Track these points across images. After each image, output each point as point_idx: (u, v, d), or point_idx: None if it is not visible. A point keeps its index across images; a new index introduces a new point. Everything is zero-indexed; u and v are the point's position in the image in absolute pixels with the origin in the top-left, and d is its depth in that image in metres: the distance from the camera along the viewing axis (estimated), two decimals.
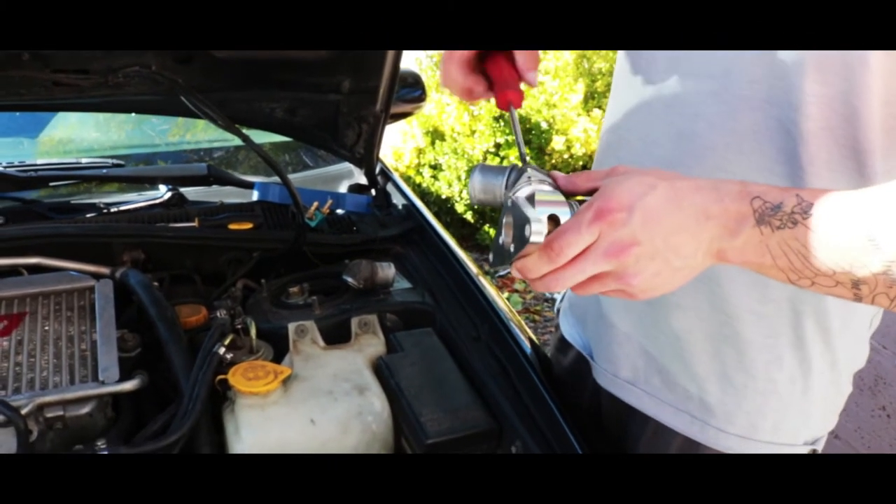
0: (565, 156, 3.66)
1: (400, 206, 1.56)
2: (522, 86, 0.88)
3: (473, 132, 3.67)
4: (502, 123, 3.59)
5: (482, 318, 1.16)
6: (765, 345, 0.85)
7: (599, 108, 3.77)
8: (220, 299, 1.20)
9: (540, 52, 0.93)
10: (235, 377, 0.94)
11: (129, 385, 0.92)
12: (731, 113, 0.78)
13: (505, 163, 3.55)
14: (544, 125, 3.65)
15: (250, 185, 1.59)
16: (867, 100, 0.70)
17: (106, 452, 0.84)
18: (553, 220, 0.66)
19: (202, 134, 2.10)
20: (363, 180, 1.66)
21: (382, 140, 1.53)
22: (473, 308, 1.19)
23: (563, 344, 1.14)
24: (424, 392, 0.99)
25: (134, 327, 1.07)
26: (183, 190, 1.60)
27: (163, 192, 1.58)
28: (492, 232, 3.78)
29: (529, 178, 0.71)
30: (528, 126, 3.68)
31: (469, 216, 3.81)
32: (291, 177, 1.38)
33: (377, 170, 1.61)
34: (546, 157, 3.67)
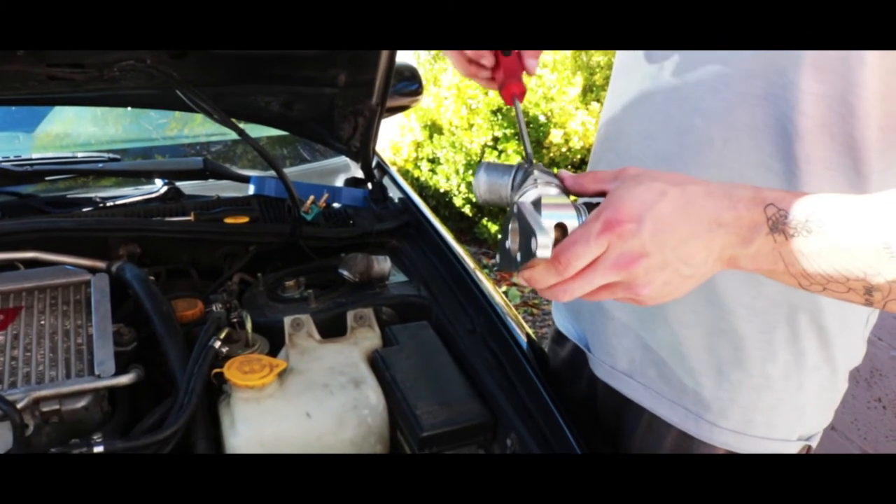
0: (563, 149, 3.65)
1: (396, 200, 1.56)
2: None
3: (471, 126, 3.66)
4: (500, 117, 3.59)
5: (478, 311, 1.17)
6: (759, 340, 0.85)
7: (597, 101, 3.76)
8: (216, 293, 1.21)
9: None
10: (231, 371, 0.95)
11: (125, 379, 0.92)
12: (728, 108, 0.78)
13: (503, 157, 3.56)
14: (542, 118, 3.64)
15: (246, 179, 1.59)
16: (864, 98, 0.70)
17: (102, 446, 0.84)
18: (560, 227, 0.65)
19: (199, 128, 2.09)
20: (359, 174, 1.66)
21: (379, 134, 1.53)
22: (469, 301, 1.20)
23: (560, 336, 1.14)
24: (420, 385, 0.99)
25: (130, 321, 1.07)
26: (179, 184, 1.60)
27: (159, 187, 1.58)
28: (490, 225, 3.78)
29: (536, 180, 0.70)
30: (526, 119, 3.67)
31: (467, 210, 3.81)
32: (288, 171, 1.38)
33: (373, 163, 1.61)
34: (544, 151, 3.67)
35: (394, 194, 1.59)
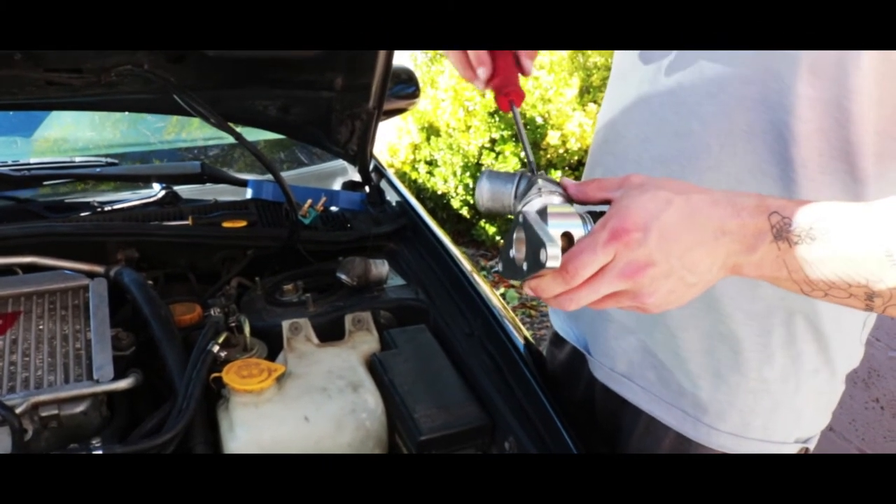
0: (560, 150, 3.66)
1: (394, 203, 1.57)
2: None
3: (469, 128, 3.67)
4: (497, 119, 3.59)
5: (475, 314, 1.17)
6: (757, 343, 0.85)
7: (595, 102, 3.76)
8: (214, 297, 1.21)
9: None
10: (229, 375, 0.95)
11: (123, 383, 0.92)
12: (725, 113, 0.78)
13: (501, 158, 3.57)
14: (539, 120, 3.64)
15: (244, 183, 1.59)
16: (860, 102, 0.70)
17: (101, 451, 0.84)
18: (566, 236, 0.65)
19: (197, 132, 2.10)
20: (357, 177, 1.66)
21: (376, 137, 1.53)
22: (467, 305, 1.20)
23: (558, 339, 1.15)
24: (418, 388, 1.00)
25: (128, 326, 1.07)
26: (177, 188, 1.60)
27: (157, 191, 1.58)
28: (488, 228, 3.78)
29: (540, 189, 0.70)
30: (523, 121, 3.67)
31: (465, 212, 3.81)
32: (285, 174, 1.39)
33: (371, 167, 1.61)
34: (541, 152, 3.67)
35: (391, 197, 1.60)
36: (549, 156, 3.68)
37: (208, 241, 1.32)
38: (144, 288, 1.10)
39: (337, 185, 1.78)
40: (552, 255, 0.61)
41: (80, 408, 0.90)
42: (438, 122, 3.83)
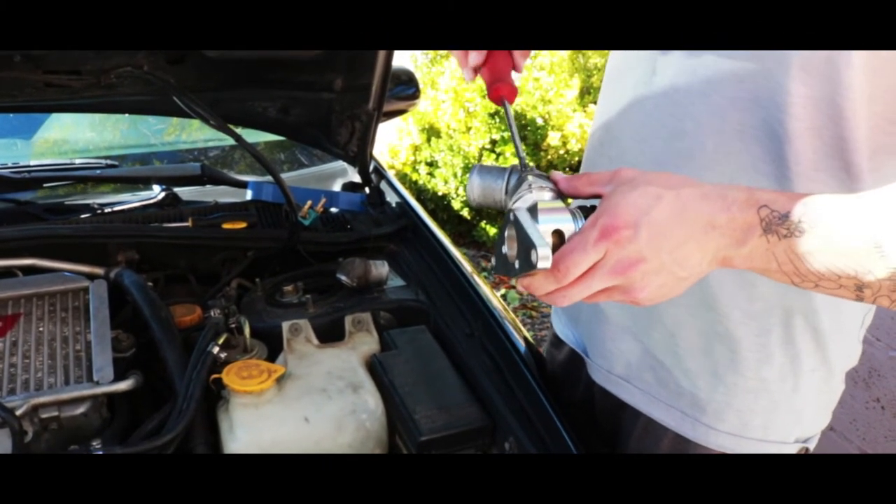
0: (561, 151, 3.66)
1: (394, 204, 1.57)
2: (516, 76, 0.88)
3: (469, 129, 3.67)
4: (498, 120, 3.59)
5: (476, 315, 1.17)
6: (755, 343, 0.85)
7: (595, 103, 3.76)
8: (214, 299, 1.21)
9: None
10: (230, 376, 0.95)
11: (123, 385, 0.92)
12: (718, 113, 0.78)
13: (501, 160, 3.56)
14: (539, 121, 3.64)
15: (244, 185, 1.59)
16: (852, 99, 0.70)
17: (101, 452, 0.84)
18: (557, 233, 0.65)
19: (197, 133, 2.10)
20: (357, 178, 1.66)
21: (376, 138, 1.53)
22: (467, 305, 1.20)
23: (558, 340, 1.15)
24: (418, 389, 1.00)
25: (128, 327, 1.07)
26: (177, 190, 1.60)
27: (157, 193, 1.58)
28: (489, 228, 3.78)
29: (530, 185, 0.70)
30: (523, 122, 3.68)
31: (465, 213, 3.81)
32: (285, 175, 1.39)
33: (371, 168, 1.61)
34: (542, 154, 3.67)
35: (391, 198, 1.60)
36: (549, 157, 3.68)
37: (208, 242, 1.32)
38: (144, 289, 1.10)
39: (337, 187, 1.78)
40: (542, 256, 0.62)
41: (80, 409, 0.90)
42: (439, 123, 3.84)
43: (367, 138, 1.50)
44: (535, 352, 1.12)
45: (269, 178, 1.45)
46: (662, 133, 0.83)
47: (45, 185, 1.58)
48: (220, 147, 2.08)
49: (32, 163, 1.66)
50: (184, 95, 1.29)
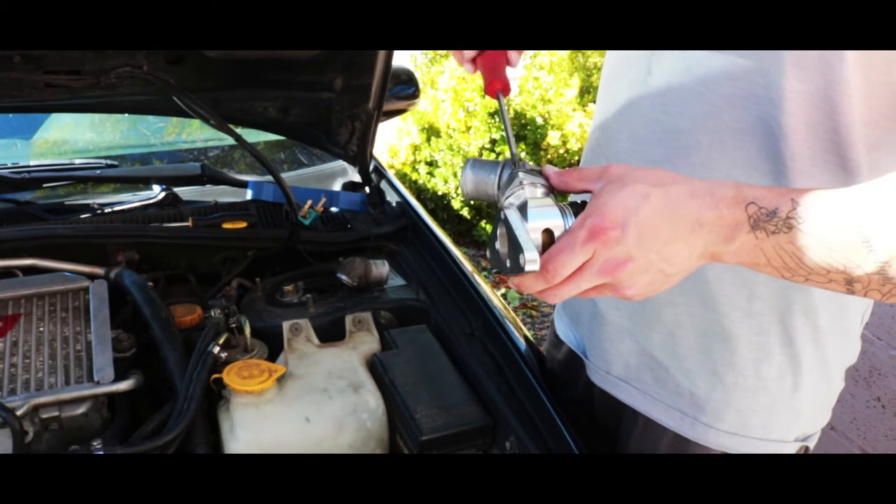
0: (561, 151, 3.66)
1: (394, 204, 1.57)
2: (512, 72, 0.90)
3: (469, 128, 3.67)
4: (497, 119, 3.59)
5: (476, 314, 1.17)
6: (754, 342, 0.85)
7: (594, 102, 3.76)
8: (214, 298, 1.21)
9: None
10: (230, 376, 0.95)
11: (124, 385, 0.92)
12: (713, 111, 0.78)
13: (500, 159, 3.56)
14: (539, 120, 3.64)
15: (244, 185, 1.59)
16: (847, 94, 0.70)
17: (101, 452, 0.84)
18: (547, 232, 0.66)
19: (197, 133, 2.10)
20: (357, 178, 1.66)
21: (376, 137, 1.53)
22: (467, 305, 1.20)
23: (557, 339, 1.15)
24: (419, 389, 1.00)
25: (129, 327, 1.07)
26: (177, 189, 1.60)
27: (157, 193, 1.58)
28: (489, 228, 3.78)
29: (521, 181, 0.71)
30: (523, 122, 3.68)
31: (465, 212, 3.81)
32: (285, 175, 1.39)
33: (371, 167, 1.61)
34: (542, 153, 3.67)
35: (391, 198, 1.60)
36: (549, 156, 3.68)
37: (208, 242, 1.32)
38: (145, 289, 1.10)
39: (337, 186, 1.78)
40: (530, 259, 0.64)
41: (80, 409, 0.90)
42: (438, 122, 3.84)
43: (367, 138, 1.50)
44: (536, 351, 1.12)
45: (269, 177, 1.45)
46: (658, 132, 0.84)
47: (45, 185, 1.58)
48: (220, 147, 2.08)
49: (32, 163, 1.66)
50: (184, 95, 1.29)
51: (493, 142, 3.60)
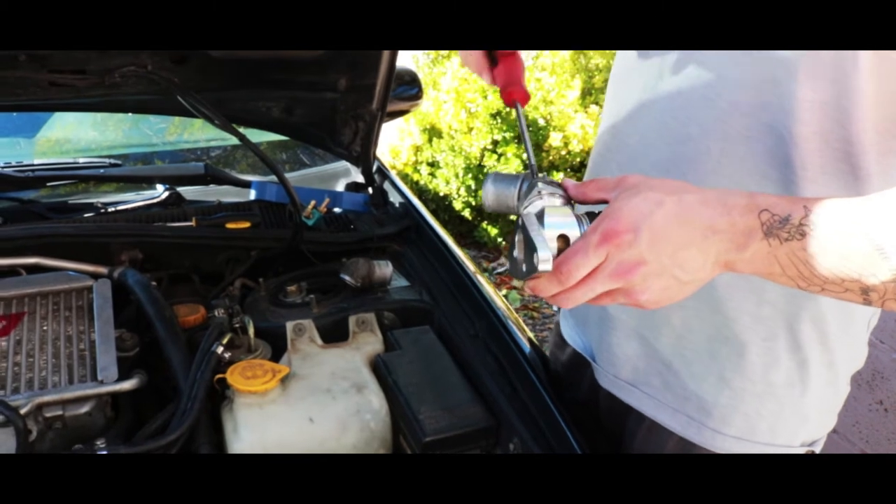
0: (563, 152, 3.65)
1: (397, 205, 1.57)
2: None
3: (471, 129, 3.66)
4: (499, 120, 3.59)
5: (480, 315, 1.17)
6: (762, 347, 0.85)
7: (597, 104, 3.76)
8: (218, 298, 1.21)
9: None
10: (234, 376, 0.95)
11: (127, 384, 0.92)
12: (722, 118, 0.78)
13: (503, 160, 3.56)
14: (541, 122, 3.64)
15: (247, 185, 1.59)
16: (860, 103, 0.70)
17: (105, 452, 0.84)
18: (563, 238, 0.68)
19: (200, 133, 2.10)
20: (360, 179, 1.66)
21: (379, 138, 1.53)
22: (471, 306, 1.20)
23: (562, 341, 1.15)
24: (422, 390, 0.99)
25: (132, 327, 1.07)
26: (180, 189, 1.60)
27: (160, 192, 1.58)
28: (490, 229, 3.78)
29: (540, 191, 0.73)
30: (525, 123, 3.67)
31: (467, 213, 3.81)
32: (289, 175, 1.38)
33: (374, 168, 1.61)
34: (543, 154, 3.67)
35: (395, 199, 1.60)
36: (551, 157, 3.68)
37: (212, 242, 1.32)
38: (148, 289, 1.10)
39: (340, 187, 1.78)
40: (543, 259, 0.65)
41: (84, 409, 0.90)
42: (440, 123, 3.83)
43: (370, 138, 1.50)
44: (540, 352, 1.11)
45: (272, 177, 1.45)
46: (668, 138, 0.84)
47: (49, 183, 1.58)
48: (223, 147, 2.08)
49: (36, 162, 1.66)
50: (188, 95, 1.29)
51: (495, 143, 3.60)
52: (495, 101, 3.56)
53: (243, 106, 1.53)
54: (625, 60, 0.94)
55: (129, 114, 1.96)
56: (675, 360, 0.91)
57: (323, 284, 1.27)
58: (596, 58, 3.99)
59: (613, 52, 0.99)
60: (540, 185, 0.74)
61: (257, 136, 1.77)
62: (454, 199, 3.79)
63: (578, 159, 3.71)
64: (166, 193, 1.57)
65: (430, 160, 3.90)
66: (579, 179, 0.77)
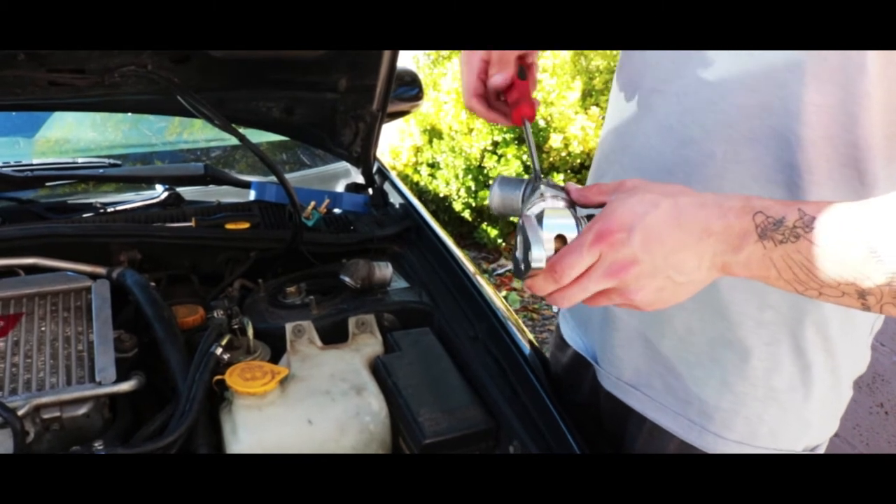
0: (563, 154, 3.65)
1: (397, 206, 1.56)
2: None
3: (471, 130, 3.66)
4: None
5: (479, 317, 1.16)
6: (765, 352, 0.85)
7: (597, 105, 3.76)
8: (217, 299, 1.20)
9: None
10: (232, 377, 0.94)
11: (125, 386, 0.92)
12: (727, 121, 0.78)
13: (503, 161, 3.56)
14: (542, 123, 3.64)
15: (247, 185, 1.59)
16: (867, 107, 0.70)
17: (103, 453, 0.83)
18: (561, 238, 0.69)
19: (199, 133, 2.10)
20: (360, 179, 1.66)
21: (379, 139, 1.53)
22: (471, 307, 1.19)
23: (562, 342, 1.14)
24: (422, 392, 0.99)
25: (131, 328, 1.06)
26: (180, 189, 1.59)
27: (159, 192, 1.58)
28: (490, 230, 3.78)
29: (542, 194, 0.74)
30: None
31: (467, 214, 3.81)
32: (288, 176, 1.38)
33: (374, 169, 1.61)
34: (544, 156, 3.66)
35: (395, 200, 1.59)
36: (551, 159, 3.68)
37: (211, 242, 1.31)
38: (147, 290, 1.09)
39: (340, 188, 1.77)
40: (536, 257, 0.68)
41: (82, 410, 0.89)
42: (441, 124, 3.83)
43: (370, 139, 1.49)
44: (540, 354, 1.11)
45: (272, 178, 1.45)
46: (672, 141, 0.83)
47: (48, 183, 1.58)
48: (223, 147, 2.07)
49: (35, 161, 1.66)
50: (188, 95, 1.28)
51: (496, 144, 3.59)
52: None
53: (244, 106, 1.52)
54: (629, 63, 0.94)
55: (129, 114, 1.96)
56: (678, 363, 0.91)
57: (322, 286, 1.27)
58: (596, 59, 3.99)
59: (614, 54, 0.99)
60: (543, 188, 0.75)
61: (257, 136, 1.77)
62: (454, 200, 3.78)
63: (579, 161, 3.71)
64: (166, 194, 1.56)
65: (430, 161, 3.90)
66: (579, 181, 0.77)
